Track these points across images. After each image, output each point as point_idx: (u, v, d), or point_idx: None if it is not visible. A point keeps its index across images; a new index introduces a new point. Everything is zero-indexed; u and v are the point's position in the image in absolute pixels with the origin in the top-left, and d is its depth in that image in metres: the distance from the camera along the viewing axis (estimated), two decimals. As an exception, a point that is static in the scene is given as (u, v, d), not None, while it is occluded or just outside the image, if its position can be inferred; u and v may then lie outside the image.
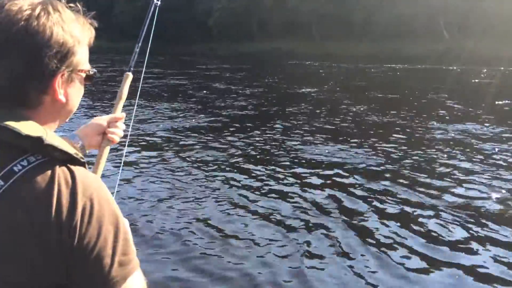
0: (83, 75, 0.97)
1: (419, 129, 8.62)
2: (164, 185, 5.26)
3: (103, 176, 1.32)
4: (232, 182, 5.36)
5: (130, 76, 1.53)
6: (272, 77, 20.20)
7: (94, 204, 0.85)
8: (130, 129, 1.40)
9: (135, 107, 1.57)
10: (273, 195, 4.99)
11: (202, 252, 3.65)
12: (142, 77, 1.63)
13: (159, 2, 1.71)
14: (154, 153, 6.78)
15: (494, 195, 4.98)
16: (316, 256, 3.65)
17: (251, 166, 6.10)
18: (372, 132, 8.36)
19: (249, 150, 7.06)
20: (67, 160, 0.86)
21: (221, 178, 5.54)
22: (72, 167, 0.87)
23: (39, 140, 0.82)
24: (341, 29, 42.34)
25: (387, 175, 5.65)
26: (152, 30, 1.63)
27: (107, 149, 1.35)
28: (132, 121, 1.47)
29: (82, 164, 0.90)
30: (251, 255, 3.64)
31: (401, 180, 5.48)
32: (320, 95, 13.88)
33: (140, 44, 1.61)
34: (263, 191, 5.11)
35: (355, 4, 41.68)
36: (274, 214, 4.45)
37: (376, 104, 11.74)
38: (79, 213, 0.83)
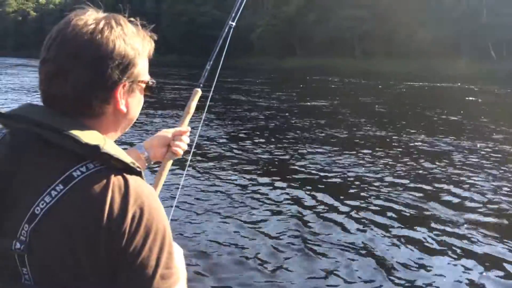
0: (143, 85, 1.00)
1: (460, 150, 8.42)
2: (220, 197, 5.35)
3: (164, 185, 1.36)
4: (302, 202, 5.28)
5: (199, 92, 1.53)
6: (315, 94, 20.17)
7: (144, 213, 0.87)
8: (194, 143, 1.45)
9: (201, 122, 1.60)
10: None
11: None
12: (210, 94, 1.65)
13: (234, 24, 1.73)
14: (212, 164, 6.93)
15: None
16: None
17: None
18: (419, 153, 8.23)
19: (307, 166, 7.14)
20: (124, 168, 0.89)
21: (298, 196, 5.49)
22: (127, 176, 0.89)
23: (96, 148, 0.85)
24: (383, 46, 41.89)
25: (429, 200, 5.53)
26: (225, 50, 1.64)
27: (170, 162, 1.37)
28: (197, 136, 1.45)
29: (138, 173, 0.91)
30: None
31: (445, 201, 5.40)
32: (360, 113, 13.77)
33: (211, 62, 1.62)
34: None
35: (399, 22, 41.15)
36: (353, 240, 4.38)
37: (416, 124, 11.54)
38: (129, 220, 0.85)
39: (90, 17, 0.91)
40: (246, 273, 3.56)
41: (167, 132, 1.40)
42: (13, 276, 0.85)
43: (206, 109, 1.66)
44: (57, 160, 0.87)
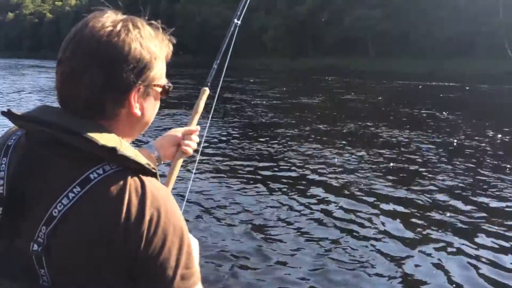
0: (159, 89, 0.99)
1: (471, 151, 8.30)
2: (230, 196, 5.40)
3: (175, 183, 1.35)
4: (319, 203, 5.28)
5: (207, 91, 1.55)
6: (326, 94, 20.10)
7: (161, 215, 0.87)
8: (203, 142, 1.49)
9: (209, 121, 1.61)
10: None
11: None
12: (217, 94, 1.67)
13: (239, 22, 1.74)
14: (221, 165, 6.98)
15: None
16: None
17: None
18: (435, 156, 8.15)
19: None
20: (140, 170, 0.89)
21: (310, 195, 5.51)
22: (143, 177, 0.89)
23: (113, 150, 0.85)
24: (398, 46, 41.54)
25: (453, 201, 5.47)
26: (231, 48, 1.65)
27: (180, 161, 1.37)
28: (204, 136, 1.46)
29: (153, 174, 0.91)
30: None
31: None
32: (370, 113, 13.68)
33: (218, 61, 1.63)
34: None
35: (414, 21, 40.77)
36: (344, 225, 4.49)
37: (426, 124, 11.41)
38: (146, 222, 0.85)
39: (108, 19, 0.91)
40: (252, 271, 3.57)
41: (177, 132, 1.40)
42: (31, 277, 0.86)
43: (213, 109, 1.67)
44: (74, 162, 0.88)
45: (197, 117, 1.49)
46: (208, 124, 1.60)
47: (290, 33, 50.94)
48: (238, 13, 1.77)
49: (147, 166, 0.89)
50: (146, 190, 0.87)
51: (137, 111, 0.95)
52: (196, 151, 1.44)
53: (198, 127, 1.44)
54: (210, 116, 1.65)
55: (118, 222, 0.83)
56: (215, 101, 1.67)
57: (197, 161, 1.41)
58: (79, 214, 0.83)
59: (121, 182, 0.86)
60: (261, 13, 55.70)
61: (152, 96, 0.98)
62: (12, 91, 18.44)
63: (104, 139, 0.86)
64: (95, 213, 0.83)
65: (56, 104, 0.96)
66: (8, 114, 0.91)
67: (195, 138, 1.41)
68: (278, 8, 54.76)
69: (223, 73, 1.61)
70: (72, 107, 0.90)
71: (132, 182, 0.87)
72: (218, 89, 1.63)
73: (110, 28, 0.89)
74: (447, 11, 38.56)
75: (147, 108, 0.98)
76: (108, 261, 0.84)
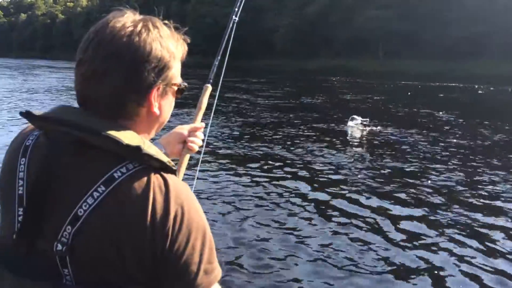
0: (175, 88, 1.01)
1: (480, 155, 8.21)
2: (233, 192, 5.47)
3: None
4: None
5: (209, 88, 1.57)
6: (335, 94, 20.05)
7: (184, 211, 0.88)
8: (206, 138, 1.49)
9: (211, 117, 1.61)
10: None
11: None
12: (218, 92, 1.67)
13: (237, 18, 1.77)
14: (223, 161, 7.02)
15: None
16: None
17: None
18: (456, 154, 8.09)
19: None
20: (161, 168, 0.90)
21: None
22: (165, 174, 0.90)
23: (138, 149, 0.85)
24: (408, 47, 41.27)
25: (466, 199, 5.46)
26: (230, 45, 1.68)
27: (187, 157, 1.39)
28: (208, 129, 1.49)
29: (173, 172, 0.93)
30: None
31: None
32: (376, 114, 13.61)
33: (219, 57, 1.65)
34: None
35: (426, 21, 40.47)
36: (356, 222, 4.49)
37: (440, 127, 11.33)
38: (172, 219, 0.86)
39: (128, 19, 0.91)
40: (256, 266, 3.59)
41: (182, 129, 1.41)
42: (53, 277, 0.86)
43: (214, 107, 1.69)
44: (96, 161, 0.88)
45: (201, 114, 1.50)
46: (210, 123, 1.65)
47: (300, 33, 50.89)
48: (236, 9, 1.80)
49: (168, 163, 0.90)
50: (170, 187, 0.88)
51: (156, 110, 0.95)
52: (200, 146, 1.45)
53: (203, 124, 1.45)
54: (212, 115, 1.67)
55: (144, 219, 0.84)
56: (215, 100, 1.69)
57: (200, 159, 1.43)
58: (104, 213, 0.84)
59: (145, 180, 0.86)
60: (271, 14, 55.79)
61: (170, 95, 0.99)
62: (23, 91, 18.69)
63: (128, 138, 0.86)
64: (121, 212, 0.84)
65: (70, 104, 0.96)
66: (27, 115, 0.91)
67: (200, 135, 1.42)
68: (288, 9, 54.76)
69: (223, 70, 1.64)
70: (93, 108, 0.91)
71: (156, 180, 0.87)
72: (218, 89, 1.65)
73: (131, 28, 0.90)
74: (460, 10, 38.21)
75: (165, 107, 0.99)
76: (134, 259, 0.85)
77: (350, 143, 9.07)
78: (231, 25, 1.73)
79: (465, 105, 16.05)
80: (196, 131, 1.42)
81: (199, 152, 1.38)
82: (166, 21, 0.99)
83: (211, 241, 0.93)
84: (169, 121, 1.05)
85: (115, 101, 0.90)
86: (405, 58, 40.53)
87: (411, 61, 39.29)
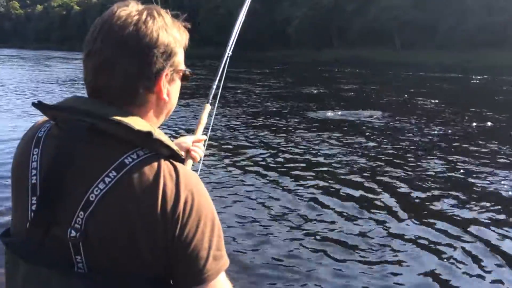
0: (181, 74, 1.03)
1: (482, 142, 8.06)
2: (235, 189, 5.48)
3: None
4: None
5: (208, 107, 1.71)
6: (349, 86, 19.88)
7: (194, 197, 0.90)
8: (208, 132, 1.65)
9: (213, 115, 1.72)
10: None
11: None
12: (216, 105, 1.80)
13: (230, 53, 1.88)
14: (227, 157, 7.05)
15: None
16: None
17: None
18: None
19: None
20: (170, 155, 0.93)
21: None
22: (174, 162, 0.92)
23: (149, 135, 0.88)
24: (424, 37, 40.57)
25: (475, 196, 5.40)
26: (223, 76, 1.81)
27: (189, 162, 1.48)
28: (210, 127, 1.66)
29: (182, 161, 0.96)
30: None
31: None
32: (395, 106, 13.45)
33: (217, 82, 1.78)
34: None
35: (443, 11, 39.72)
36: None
37: (451, 118, 11.16)
38: (182, 205, 0.88)
39: (133, 8, 0.94)
40: (262, 262, 3.61)
41: (187, 139, 1.50)
42: (66, 265, 0.87)
43: (215, 106, 1.81)
44: (108, 148, 0.89)
45: (201, 128, 1.62)
46: (213, 117, 1.75)
47: (315, 24, 50.36)
48: (231, 43, 1.90)
49: (177, 151, 0.93)
50: (179, 173, 0.90)
51: (165, 96, 0.98)
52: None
53: (205, 137, 1.56)
54: (215, 109, 1.77)
55: (155, 205, 0.86)
56: (212, 119, 1.76)
57: (201, 163, 1.56)
58: (116, 198, 0.86)
59: (156, 166, 0.88)
60: (285, 5, 55.31)
61: (177, 81, 1.02)
62: (38, 81, 18.99)
63: (139, 124, 0.88)
64: (132, 197, 0.86)
65: (83, 94, 0.98)
66: (39, 105, 0.94)
67: (202, 146, 1.52)
68: (302, -1, 54.19)
69: (218, 96, 1.78)
70: (104, 97, 0.92)
71: (166, 166, 0.90)
72: (215, 107, 1.79)
73: (136, 17, 0.92)
74: (479, 0, 37.38)
75: (173, 93, 1.01)
76: (146, 243, 0.86)
77: (364, 134, 8.98)
78: (224, 60, 1.84)
79: (491, 98, 15.72)
80: (199, 143, 1.52)
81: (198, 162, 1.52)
82: (166, 10, 1.00)
83: (220, 228, 0.95)
84: (179, 109, 1.07)
85: (127, 88, 0.92)
86: (423, 48, 39.83)
87: (428, 51, 38.60)
